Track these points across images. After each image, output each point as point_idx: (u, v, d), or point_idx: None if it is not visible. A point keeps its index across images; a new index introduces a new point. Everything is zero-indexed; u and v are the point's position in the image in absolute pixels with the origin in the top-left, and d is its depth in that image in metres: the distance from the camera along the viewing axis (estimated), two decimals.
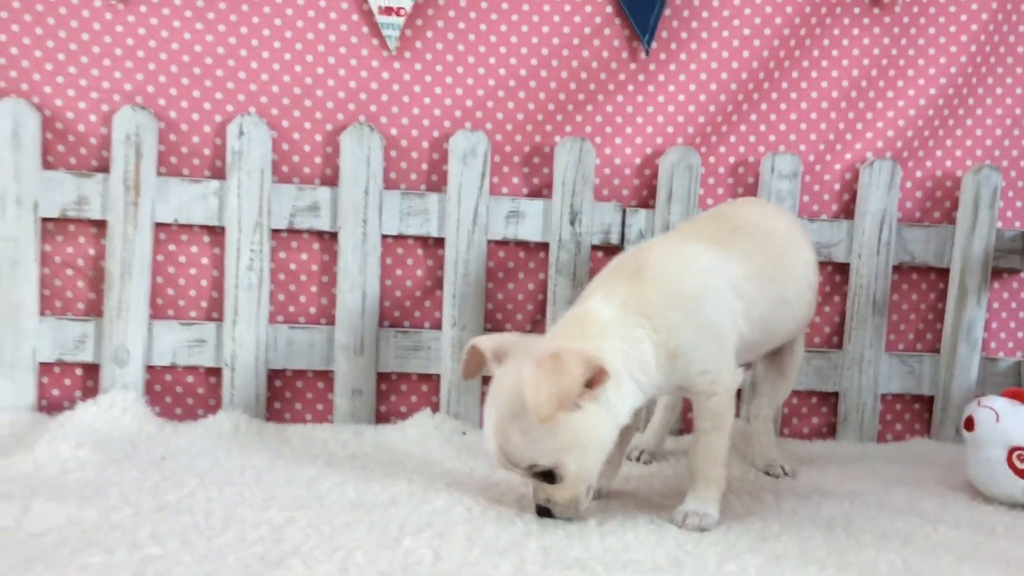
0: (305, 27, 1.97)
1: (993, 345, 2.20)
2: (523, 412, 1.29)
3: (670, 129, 2.07)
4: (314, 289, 2.03)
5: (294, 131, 1.99)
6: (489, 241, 2.03)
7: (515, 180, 2.07)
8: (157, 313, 1.98)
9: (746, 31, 2.07)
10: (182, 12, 1.94)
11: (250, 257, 1.95)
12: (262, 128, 1.94)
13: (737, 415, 2.08)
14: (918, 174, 2.16)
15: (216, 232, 1.98)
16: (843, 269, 2.13)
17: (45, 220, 1.92)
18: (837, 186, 2.13)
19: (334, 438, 1.86)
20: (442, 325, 2.02)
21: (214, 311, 2.00)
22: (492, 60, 2.03)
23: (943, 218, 2.16)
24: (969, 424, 1.64)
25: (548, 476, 1.34)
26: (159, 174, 1.94)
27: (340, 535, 1.28)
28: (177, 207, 1.94)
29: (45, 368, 1.95)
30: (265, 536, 1.27)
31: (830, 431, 2.14)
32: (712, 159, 2.10)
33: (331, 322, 2.01)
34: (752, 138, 2.11)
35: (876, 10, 2.12)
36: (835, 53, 2.11)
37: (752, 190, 2.10)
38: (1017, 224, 2.19)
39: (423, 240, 2.05)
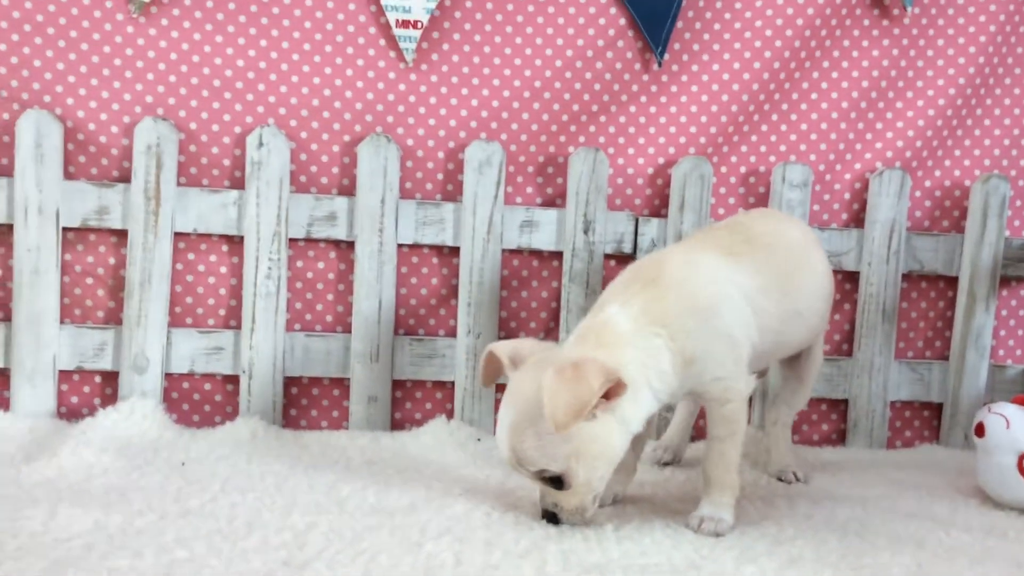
0: (323, 40, 2.00)
1: (1001, 352, 2.22)
2: (539, 417, 1.31)
3: (682, 139, 2.10)
4: (330, 297, 2.06)
5: (312, 142, 2.02)
6: (503, 250, 2.06)
7: (529, 190, 2.10)
8: (176, 321, 2.00)
9: (757, 43, 2.09)
10: (203, 25, 1.97)
11: (268, 266, 1.98)
12: (281, 139, 1.97)
13: (748, 422, 2.10)
14: (927, 183, 2.18)
15: (235, 241, 2.01)
16: (853, 277, 2.15)
17: (66, 229, 1.95)
18: (847, 195, 2.15)
19: (352, 444, 1.89)
20: (457, 333, 2.05)
21: (232, 319, 2.02)
22: (507, 72, 2.06)
23: (952, 227, 2.18)
24: (980, 430, 1.65)
25: (557, 482, 1.36)
26: (179, 184, 1.97)
27: (362, 540, 1.30)
28: (196, 217, 1.97)
29: (64, 375, 1.97)
30: (289, 541, 1.29)
31: (840, 438, 2.16)
32: (724, 169, 2.13)
33: (347, 330, 2.04)
34: (763, 148, 2.14)
35: (885, 21, 2.15)
36: (845, 64, 2.14)
37: (763, 200, 2.13)
38: None
39: (438, 249, 2.07)
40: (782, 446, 1.83)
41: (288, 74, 2.00)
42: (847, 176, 2.15)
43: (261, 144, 1.96)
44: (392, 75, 2.03)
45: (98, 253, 1.98)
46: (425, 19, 2.00)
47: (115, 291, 1.98)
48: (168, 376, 1.99)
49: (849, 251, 2.12)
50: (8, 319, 1.93)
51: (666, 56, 2.09)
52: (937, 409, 2.18)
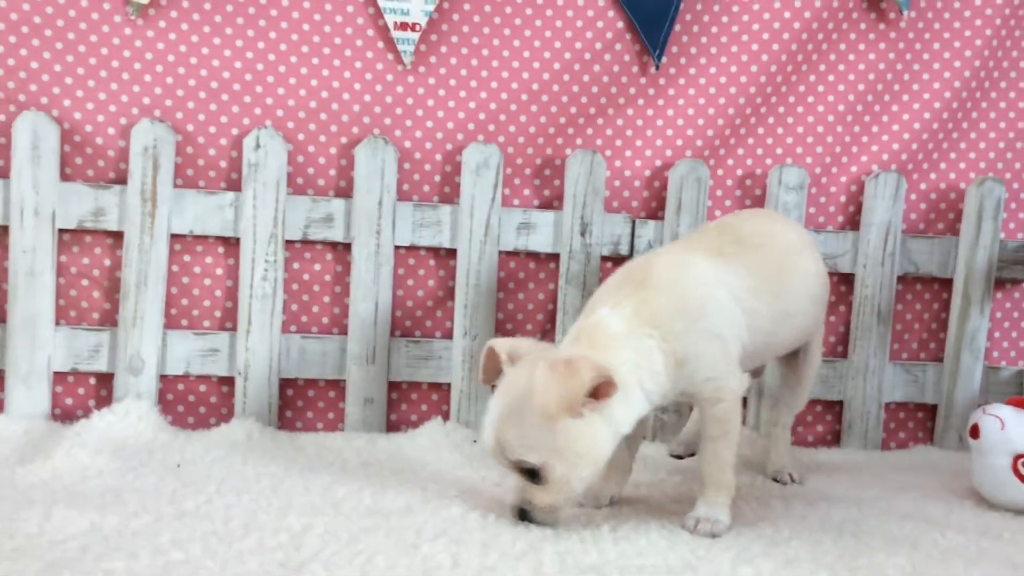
0: (321, 42, 2.01)
1: (996, 354, 2.22)
2: (527, 406, 1.32)
3: (679, 142, 2.10)
4: (327, 299, 2.06)
5: (309, 144, 2.02)
6: (500, 252, 2.06)
7: (526, 192, 2.10)
8: (171, 323, 2.00)
9: (755, 46, 2.10)
10: (200, 27, 1.97)
11: (264, 268, 1.98)
12: (278, 141, 1.97)
13: (744, 423, 2.11)
14: (922, 186, 2.19)
15: (231, 243, 2.01)
16: (848, 280, 2.16)
17: (62, 231, 1.94)
18: (843, 198, 2.16)
19: (347, 446, 1.89)
20: (453, 335, 2.05)
21: (228, 321, 2.02)
22: (505, 74, 2.06)
23: (947, 229, 2.19)
24: (975, 432, 1.66)
25: (534, 476, 1.36)
26: (176, 186, 1.97)
27: (359, 541, 1.30)
28: (193, 218, 1.97)
29: (59, 377, 1.97)
30: (285, 542, 1.29)
31: (835, 439, 2.17)
32: (720, 171, 2.14)
33: (343, 332, 2.04)
34: (760, 151, 2.14)
35: (882, 26, 2.15)
36: (841, 68, 2.14)
37: (759, 202, 2.13)
38: (1020, 235, 2.22)
39: (435, 251, 2.08)
40: (781, 447, 1.84)
41: (285, 76, 2.00)
42: (843, 179, 2.16)
43: (258, 146, 1.96)
44: (390, 77, 2.03)
45: (94, 255, 1.97)
46: (423, 21, 2.00)
47: (111, 293, 1.98)
48: (163, 378, 1.99)
49: (845, 253, 2.13)
50: (3, 320, 1.93)
51: (663, 59, 2.09)
52: (931, 411, 2.19)
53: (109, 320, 1.98)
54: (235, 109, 1.99)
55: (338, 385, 2.05)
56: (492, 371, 1.47)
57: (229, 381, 2.02)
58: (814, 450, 2.11)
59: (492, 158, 2.02)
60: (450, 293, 2.07)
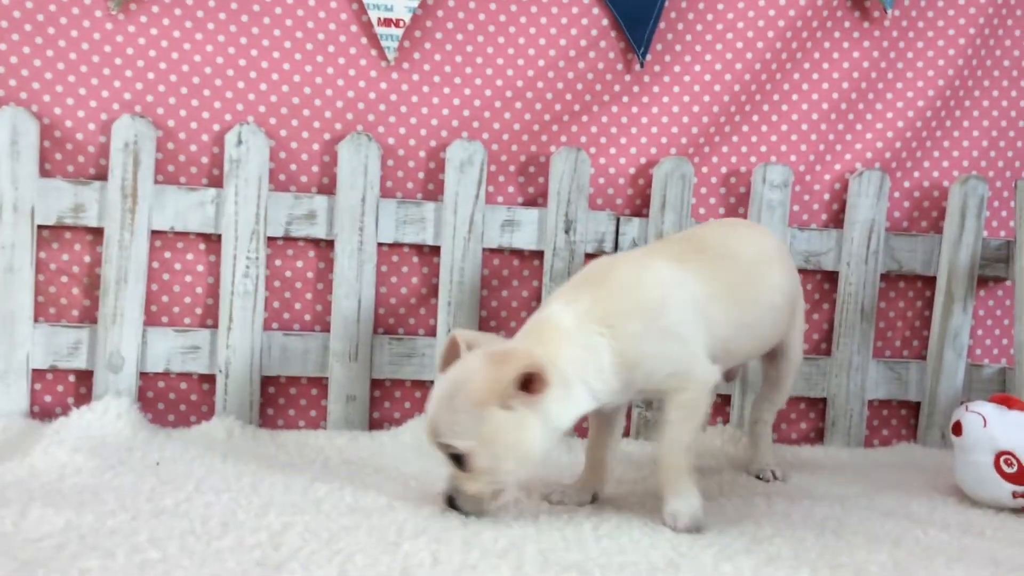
0: (304, 38, 1.99)
1: (978, 352, 2.23)
2: (459, 391, 1.34)
3: (664, 139, 2.10)
4: (309, 296, 2.04)
5: (292, 140, 2.01)
6: (484, 249, 2.05)
7: (510, 189, 2.09)
8: (151, 320, 1.98)
9: (739, 44, 2.10)
10: (182, 22, 1.95)
11: (246, 264, 1.97)
12: (260, 137, 1.96)
13: (726, 422, 2.11)
14: (906, 184, 2.19)
15: (212, 240, 1.99)
16: (832, 277, 2.16)
17: (41, 227, 1.93)
18: (827, 196, 2.16)
19: (330, 444, 1.87)
20: (437, 332, 2.04)
21: (209, 318, 2.01)
22: (489, 71, 2.05)
23: (930, 227, 2.20)
24: (957, 429, 1.66)
25: (461, 462, 1.37)
26: (156, 182, 1.95)
27: (339, 540, 1.29)
28: (174, 215, 1.96)
29: (38, 374, 1.95)
30: (264, 541, 1.27)
31: (818, 436, 2.17)
32: (705, 169, 2.13)
33: (326, 329, 2.03)
34: (744, 149, 2.14)
35: (866, 23, 2.15)
36: (825, 66, 2.15)
37: (744, 200, 2.13)
38: (1002, 233, 2.22)
39: (419, 248, 2.07)
40: (763, 444, 1.83)
41: (268, 71, 1.99)
42: (827, 177, 2.16)
43: (240, 142, 1.95)
44: (373, 73, 2.02)
45: (73, 251, 1.96)
46: (407, 17, 1.99)
47: (90, 289, 1.96)
48: (143, 375, 1.97)
49: (828, 251, 2.13)
50: None
51: (648, 57, 2.09)
52: (915, 408, 2.19)
53: (89, 317, 1.96)
54: (217, 105, 1.97)
55: (320, 383, 2.04)
56: (451, 360, 1.47)
57: (210, 379, 2.00)
58: (797, 447, 2.11)
59: (476, 155, 2.02)
60: (434, 290, 2.06)
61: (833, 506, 1.59)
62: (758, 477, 1.78)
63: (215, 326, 1.99)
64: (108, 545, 1.22)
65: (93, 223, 1.93)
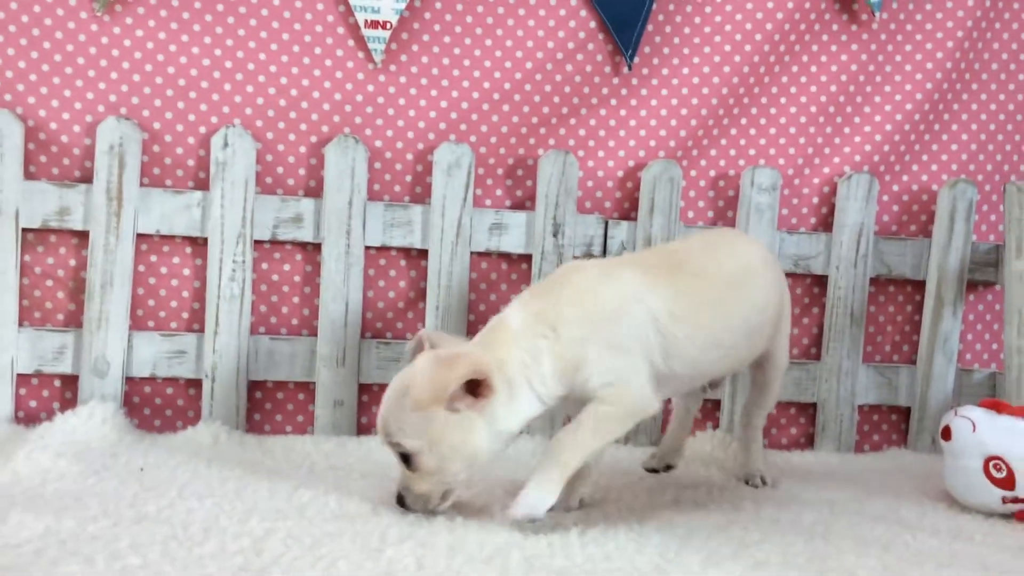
0: (291, 39, 1.98)
1: (968, 357, 2.23)
2: (407, 393, 1.36)
3: (652, 143, 2.09)
4: (296, 300, 2.03)
5: (278, 143, 2.00)
6: (472, 253, 2.04)
7: (498, 192, 2.08)
8: (137, 324, 1.97)
9: (727, 47, 2.09)
10: (168, 24, 1.94)
11: (232, 268, 1.95)
12: (246, 139, 1.95)
13: (716, 427, 2.09)
14: (895, 188, 2.19)
15: (198, 243, 1.98)
16: (821, 281, 2.15)
17: (26, 230, 1.91)
18: (815, 199, 2.16)
19: (316, 449, 1.86)
20: None
21: (195, 322, 1.99)
22: (477, 73, 2.04)
23: (919, 231, 2.19)
24: (946, 434, 1.65)
25: (409, 462, 1.38)
26: (142, 185, 1.94)
27: (322, 545, 1.27)
28: (160, 218, 1.94)
29: (23, 379, 1.93)
30: (246, 547, 1.26)
31: (808, 441, 2.16)
32: (693, 172, 2.13)
33: (313, 333, 2.01)
34: (732, 152, 2.13)
35: (854, 26, 2.15)
36: (814, 69, 2.14)
37: (732, 203, 2.13)
38: (992, 237, 2.22)
39: (406, 251, 2.05)
40: (753, 449, 1.81)
41: (254, 74, 1.98)
42: (815, 180, 2.15)
43: (226, 145, 1.94)
44: (360, 76, 2.01)
45: (58, 255, 1.94)
46: (394, 20, 1.98)
47: (75, 293, 1.95)
48: (129, 380, 1.95)
49: (817, 255, 2.13)
50: None
51: (636, 59, 2.09)
52: (905, 413, 2.19)
53: (74, 321, 1.95)
54: (203, 107, 1.96)
55: (307, 387, 2.03)
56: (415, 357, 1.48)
57: (196, 383, 1.98)
58: (787, 453, 2.10)
59: (464, 158, 2.01)
60: (421, 294, 2.05)
61: (822, 511, 1.58)
62: (746, 483, 1.77)
63: (201, 330, 1.97)
64: (88, 551, 1.20)
65: (78, 226, 1.91)
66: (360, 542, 1.30)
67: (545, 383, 1.40)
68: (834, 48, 2.15)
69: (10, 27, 1.88)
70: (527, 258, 2.07)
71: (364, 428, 2.04)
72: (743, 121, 2.13)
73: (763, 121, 2.14)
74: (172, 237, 1.97)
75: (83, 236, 1.93)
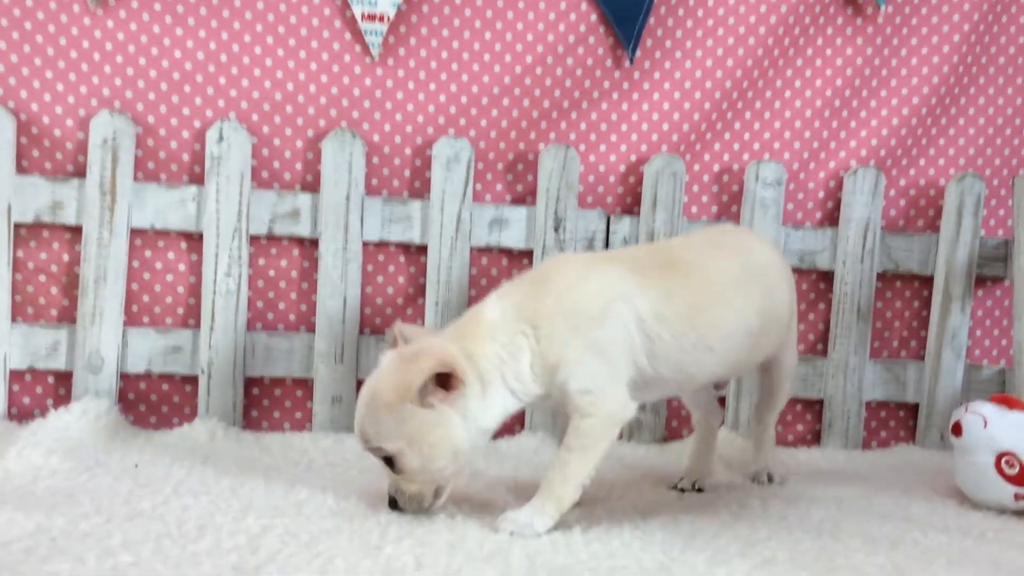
0: (287, 33, 1.95)
1: (977, 352, 2.19)
2: (377, 395, 1.33)
3: (655, 136, 2.07)
4: (293, 296, 2.00)
5: (274, 137, 1.97)
6: (472, 248, 2.01)
7: (498, 187, 2.06)
8: (132, 320, 1.94)
9: (730, 40, 2.06)
10: (162, 17, 1.91)
11: (228, 263, 1.92)
12: (242, 133, 1.92)
13: (721, 424, 2.06)
14: (902, 182, 2.16)
15: (194, 238, 1.95)
16: (827, 277, 2.12)
17: (18, 225, 1.89)
18: (821, 194, 2.13)
19: (314, 446, 1.84)
20: None
21: (191, 318, 1.96)
22: (476, 67, 2.02)
23: (927, 226, 2.16)
24: (957, 430, 1.62)
25: (392, 463, 1.35)
26: (136, 179, 1.91)
27: (319, 543, 1.25)
28: (154, 213, 1.91)
29: (16, 375, 1.91)
30: (241, 544, 1.23)
31: (815, 438, 2.13)
32: (696, 167, 2.10)
33: (311, 329, 1.98)
34: (736, 146, 2.10)
35: (859, 20, 2.12)
36: (819, 62, 2.11)
37: (737, 198, 2.10)
38: (1000, 232, 2.19)
39: (405, 247, 2.02)
40: (761, 447, 1.76)
41: (250, 67, 1.95)
42: (821, 175, 2.12)
43: (221, 138, 1.91)
44: (357, 69, 1.99)
45: (52, 250, 1.92)
46: (392, 13, 1.95)
47: (69, 289, 1.92)
48: (124, 376, 1.92)
49: (823, 250, 2.09)
50: None
51: (638, 53, 2.06)
52: (913, 409, 2.15)
53: (67, 317, 1.92)
54: (197, 101, 1.94)
55: (305, 384, 2.00)
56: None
57: (192, 380, 1.96)
58: (794, 449, 2.07)
59: (463, 152, 1.98)
60: (421, 290, 2.02)
61: (830, 508, 1.55)
62: (754, 480, 1.74)
63: (197, 326, 1.94)
64: (79, 549, 1.18)
65: (71, 221, 1.89)
66: (358, 540, 1.27)
67: (521, 380, 1.36)
68: (839, 41, 2.12)
69: (2, 20, 1.86)
70: (528, 253, 2.04)
71: None
72: (747, 115, 2.10)
73: (767, 115, 2.11)
74: (167, 232, 1.95)
75: (76, 231, 1.90)
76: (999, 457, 1.57)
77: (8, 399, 1.89)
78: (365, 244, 1.98)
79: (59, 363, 1.90)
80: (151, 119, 1.92)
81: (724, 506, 1.55)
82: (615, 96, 2.07)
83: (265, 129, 1.96)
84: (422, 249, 2.01)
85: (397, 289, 2.03)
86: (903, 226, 2.16)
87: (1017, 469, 1.56)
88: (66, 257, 1.92)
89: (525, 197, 2.06)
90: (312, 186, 1.98)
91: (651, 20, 2.05)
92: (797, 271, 2.04)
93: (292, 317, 2.00)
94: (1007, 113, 2.18)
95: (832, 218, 2.12)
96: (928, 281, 2.14)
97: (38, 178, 1.88)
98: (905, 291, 2.17)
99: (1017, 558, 1.33)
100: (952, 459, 1.67)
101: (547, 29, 2.03)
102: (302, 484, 1.53)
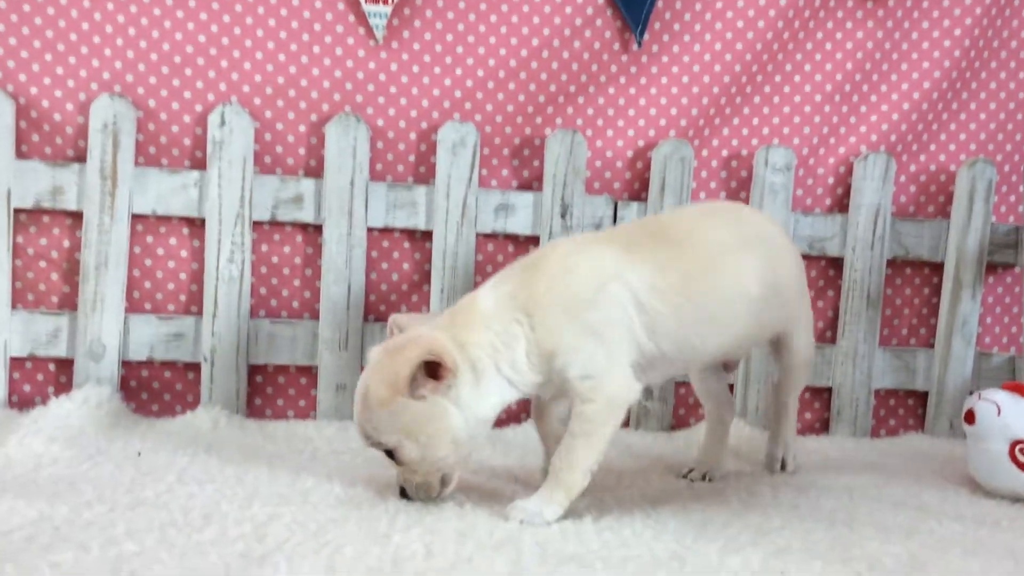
0: (289, 15, 1.93)
1: (987, 340, 2.18)
2: (370, 390, 1.31)
3: (662, 121, 2.04)
4: (297, 283, 1.98)
5: (277, 121, 1.94)
6: (478, 234, 1.99)
7: (504, 172, 2.03)
8: (134, 307, 1.92)
9: (739, 23, 2.04)
10: None
11: (231, 249, 1.90)
12: (244, 117, 1.89)
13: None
14: (912, 168, 2.13)
15: (196, 224, 1.93)
16: (837, 263, 2.10)
17: (18, 211, 1.87)
18: (831, 180, 2.10)
19: (318, 434, 1.82)
20: None
21: (193, 305, 1.94)
22: (481, 50, 1.99)
23: (937, 212, 2.14)
24: (970, 418, 1.60)
25: (393, 456, 1.34)
26: (137, 164, 1.89)
27: (327, 531, 1.23)
28: (155, 198, 1.89)
29: (16, 363, 1.89)
30: (248, 533, 1.21)
31: (823, 427, 2.11)
32: (705, 152, 2.07)
33: (315, 316, 1.96)
34: (745, 131, 2.08)
35: (869, 3, 2.09)
36: (828, 46, 2.09)
37: (745, 184, 2.07)
38: (1011, 219, 2.17)
39: (410, 233, 2.00)
40: (778, 430, 1.71)
41: (252, 50, 1.92)
42: (831, 160, 2.10)
43: (223, 123, 1.88)
44: (361, 52, 1.96)
45: (52, 235, 1.89)
46: None
47: (70, 275, 1.90)
48: (126, 364, 1.91)
49: (833, 236, 2.07)
50: None
51: (646, 36, 2.03)
52: (922, 397, 2.14)
53: (68, 304, 1.90)
54: (199, 84, 1.91)
55: (309, 371, 1.98)
56: None
57: (195, 367, 1.94)
58: (803, 438, 2.04)
59: (469, 137, 1.95)
60: (426, 277, 2.00)
61: (841, 497, 1.53)
62: (767, 465, 1.70)
63: (199, 313, 1.92)
64: (82, 538, 1.16)
65: (72, 206, 1.86)
66: (366, 528, 1.25)
67: (517, 369, 1.34)
68: (849, 25, 2.09)
69: (0, 2, 1.83)
70: (534, 240, 2.02)
71: None
72: (756, 100, 2.08)
73: (777, 100, 2.08)
74: (168, 218, 1.92)
75: (77, 217, 1.88)
76: (1013, 445, 1.55)
77: (8, 386, 1.87)
78: (369, 230, 1.96)
79: (60, 350, 1.88)
80: (152, 103, 1.90)
81: (734, 494, 1.53)
82: (622, 80, 2.05)
83: (268, 113, 1.94)
84: (427, 235, 1.99)
85: (402, 276, 2.01)
86: (913, 212, 2.14)
87: None
88: (67, 243, 1.90)
89: (531, 183, 2.04)
90: (315, 171, 1.96)
91: (659, 2, 2.02)
92: (806, 258, 2.01)
93: (296, 304, 1.98)
94: (1019, 97, 2.15)
95: (842, 204, 2.10)
96: (938, 268, 2.12)
97: (38, 163, 1.85)
98: (915, 278, 2.14)
99: None
100: (962, 447, 1.65)
101: (553, 12, 2.00)
102: (307, 472, 1.52)
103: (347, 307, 1.93)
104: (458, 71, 1.99)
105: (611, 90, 2.05)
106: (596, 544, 1.24)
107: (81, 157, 1.87)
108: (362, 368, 1.94)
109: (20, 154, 1.86)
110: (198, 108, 1.91)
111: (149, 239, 1.92)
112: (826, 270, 2.11)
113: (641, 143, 2.04)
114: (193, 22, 1.90)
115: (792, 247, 1.66)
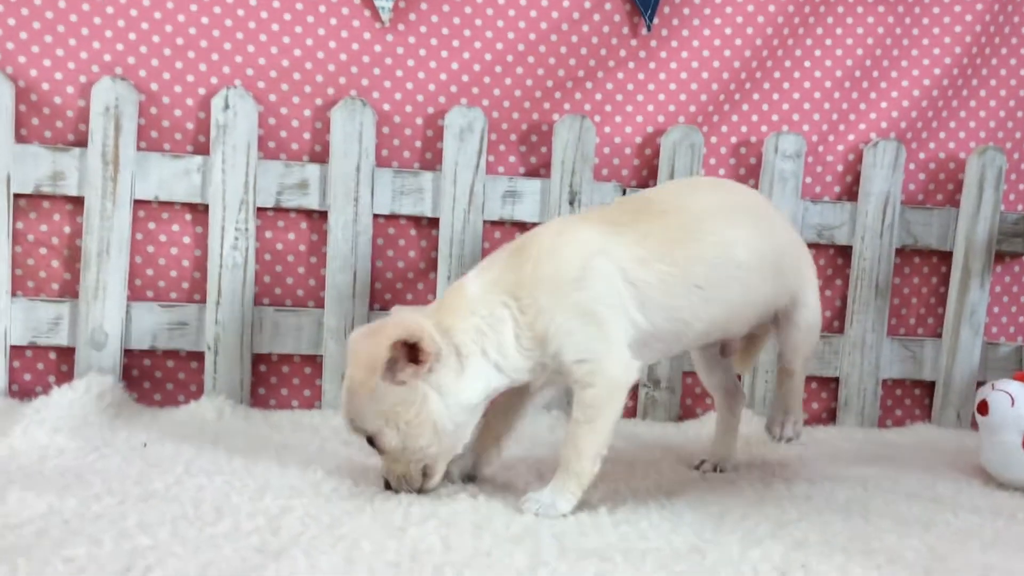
0: None
1: (994, 330, 2.17)
2: (352, 376, 1.31)
3: (672, 107, 2.02)
4: (302, 270, 1.96)
5: (281, 105, 1.91)
6: (485, 221, 1.97)
7: (512, 159, 2.01)
8: (136, 294, 1.89)
9: (750, 7, 2.02)
10: None
11: (235, 236, 1.87)
12: (248, 101, 1.86)
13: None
14: (921, 155, 2.12)
15: (199, 210, 1.90)
16: (845, 252, 2.09)
17: (18, 196, 1.83)
18: (840, 167, 2.09)
19: (325, 424, 1.80)
20: None
21: (196, 292, 1.91)
22: (489, 34, 1.96)
23: (946, 200, 2.13)
24: (983, 408, 1.59)
25: (373, 443, 1.33)
26: (139, 149, 1.86)
27: (341, 524, 1.21)
28: (158, 183, 1.86)
29: (17, 351, 1.86)
30: (261, 526, 1.20)
31: (830, 417, 2.11)
32: (714, 139, 2.05)
33: (319, 304, 1.94)
34: (755, 117, 2.06)
35: None
36: (839, 32, 2.07)
37: (755, 171, 2.05)
38: (1020, 207, 2.16)
39: (416, 220, 1.98)
40: (782, 394, 1.61)
41: (256, 33, 1.89)
42: (840, 147, 2.09)
43: (227, 107, 1.85)
44: (367, 35, 1.93)
45: (52, 221, 1.86)
46: None
47: (71, 262, 1.87)
48: (128, 352, 1.88)
49: (842, 225, 2.06)
50: None
51: (655, 21, 2.01)
52: (929, 387, 2.13)
53: (69, 291, 1.87)
54: (202, 67, 1.88)
55: (314, 361, 1.96)
56: None
57: (198, 356, 1.91)
58: (810, 428, 2.04)
59: (476, 122, 1.93)
60: (432, 264, 1.98)
61: (855, 488, 1.53)
62: (767, 429, 1.61)
63: (203, 301, 1.90)
64: (94, 531, 1.14)
65: (73, 192, 1.83)
66: (381, 520, 1.24)
67: (504, 353, 1.31)
68: (860, 10, 2.07)
69: None
70: None
71: None
72: (766, 86, 2.06)
73: (786, 86, 2.06)
74: (171, 203, 1.90)
75: (78, 202, 1.85)
76: None
77: (9, 375, 1.84)
78: (375, 217, 1.94)
79: (61, 339, 1.85)
80: (154, 86, 1.86)
81: (748, 485, 1.53)
82: (631, 65, 2.02)
83: (272, 97, 1.91)
84: (434, 222, 1.97)
85: (408, 263, 1.98)
86: (922, 200, 2.13)
87: None
88: (67, 229, 1.86)
89: (539, 169, 2.01)
90: (320, 157, 1.93)
91: None
92: (815, 246, 2.00)
93: (300, 292, 1.96)
94: None
95: (851, 192, 2.09)
96: (947, 256, 2.11)
97: (38, 147, 1.82)
98: (923, 267, 2.13)
99: None
100: (970, 437, 1.65)
101: None
102: (316, 464, 1.50)
103: (352, 295, 1.91)
104: (465, 55, 1.96)
105: (620, 75, 2.02)
106: (614, 537, 1.23)
107: (82, 141, 1.84)
108: None
109: (20, 138, 1.83)
110: (201, 91, 1.88)
111: (151, 225, 1.89)
112: (834, 259, 2.10)
113: (650, 129, 2.02)
114: (196, 3, 1.87)
115: (781, 215, 1.62)
